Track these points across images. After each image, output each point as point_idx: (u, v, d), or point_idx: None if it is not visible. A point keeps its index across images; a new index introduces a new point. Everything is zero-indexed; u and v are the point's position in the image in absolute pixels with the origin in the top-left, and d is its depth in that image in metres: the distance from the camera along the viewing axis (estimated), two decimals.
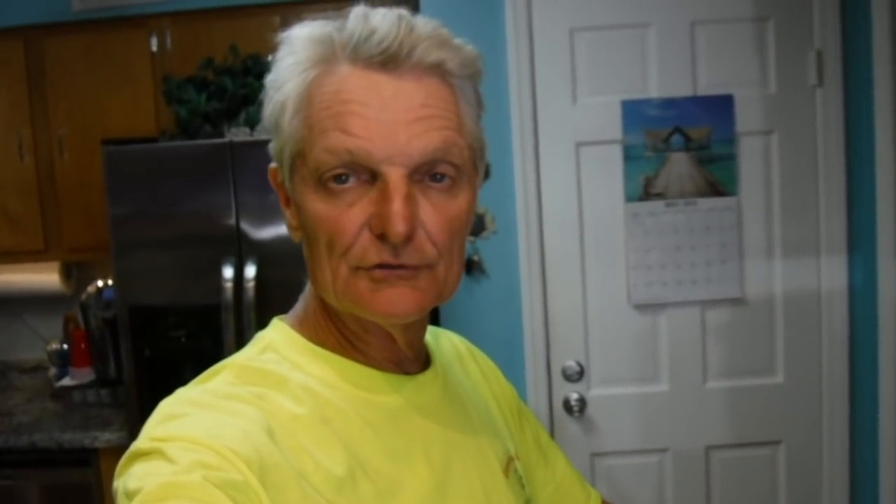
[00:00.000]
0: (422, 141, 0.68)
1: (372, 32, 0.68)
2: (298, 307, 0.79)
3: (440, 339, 0.92)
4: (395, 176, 0.67)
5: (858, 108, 2.22)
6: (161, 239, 2.27)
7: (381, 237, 0.67)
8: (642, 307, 2.36)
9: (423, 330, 0.81)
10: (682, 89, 2.30)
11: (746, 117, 2.30)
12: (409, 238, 0.67)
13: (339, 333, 0.76)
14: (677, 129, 2.30)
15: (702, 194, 2.32)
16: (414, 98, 0.68)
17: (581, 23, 2.30)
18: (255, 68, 2.36)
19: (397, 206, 0.66)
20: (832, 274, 2.32)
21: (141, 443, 0.63)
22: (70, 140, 2.72)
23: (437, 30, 0.71)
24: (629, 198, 2.33)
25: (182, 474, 0.58)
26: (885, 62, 2.09)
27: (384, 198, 0.66)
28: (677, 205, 2.32)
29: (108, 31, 2.71)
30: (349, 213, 0.68)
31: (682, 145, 2.30)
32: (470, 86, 0.73)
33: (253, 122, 2.28)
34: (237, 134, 2.32)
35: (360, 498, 0.68)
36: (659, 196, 2.32)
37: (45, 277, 2.95)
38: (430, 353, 0.84)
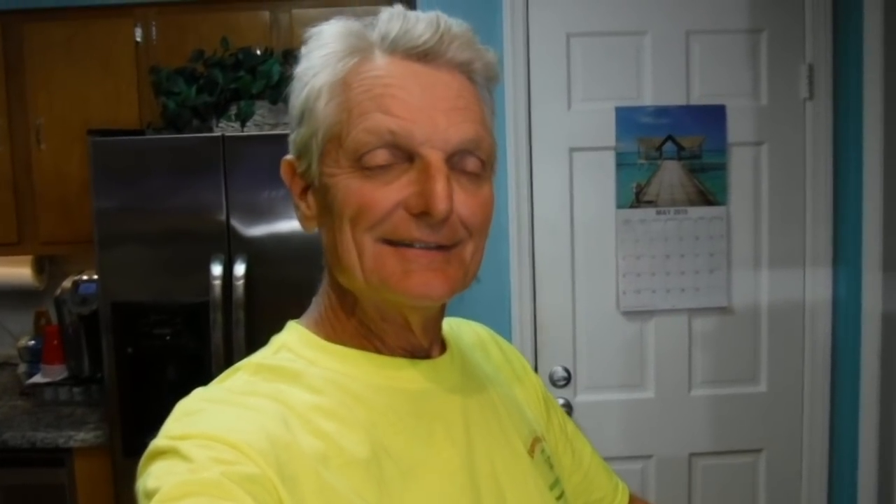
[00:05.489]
0: (459, 129, 0.70)
1: (410, 29, 0.71)
2: (312, 309, 0.80)
3: (461, 327, 0.93)
4: (435, 157, 0.69)
5: (847, 121, 2.26)
6: (147, 234, 2.21)
7: (420, 216, 0.68)
8: (630, 314, 2.37)
9: (440, 320, 0.82)
10: (675, 98, 2.31)
11: (738, 128, 2.33)
12: (447, 217, 0.69)
13: (357, 323, 0.76)
14: (670, 138, 2.32)
15: (692, 203, 2.33)
16: (450, 88, 0.71)
17: (577, 28, 2.30)
18: (247, 62, 2.31)
19: (440, 184, 0.68)
20: (817, 285, 2.36)
21: (158, 441, 0.63)
22: (48, 130, 2.64)
23: (469, 32, 0.74)
24: (620, 204, 2.34)
25: (199, 472, 0.59)
26: (876, 77, 2.12)
27: (426, 177, 0.68)
28: (668, 213, 2.34)
29: (91, 19, 2.64)
30: (385, 190, 0.69)
31: (674, 154, 2.32)
32: (488, 91, 0.76)
33: (244, 118, 2.23)
34: (227, 129, 2.27)
35: (386, 478, 0.68)
36: (650, 203, 2.33)
37: (16, 271, 2.86)
38: (445, 340, 0.84)
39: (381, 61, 0.71)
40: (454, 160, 0.70)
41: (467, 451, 0.76)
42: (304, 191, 0.76)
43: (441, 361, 0.80)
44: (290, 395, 0.69)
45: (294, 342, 0.77)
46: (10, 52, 2.65)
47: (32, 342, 2.88)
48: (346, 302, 0.76)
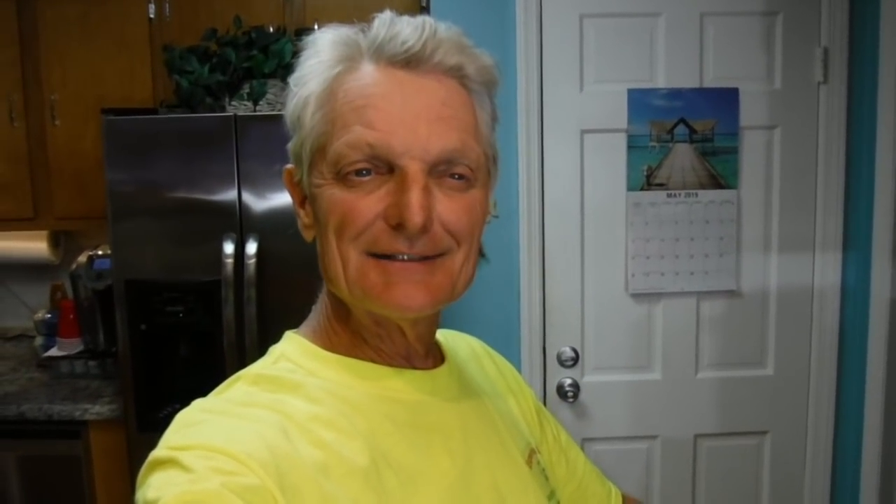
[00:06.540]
0: (441, 140, 0.69)
1: (396, 34, 0.70)
2: (311, 319, 0.80)
3: (456, 340, 0.93)
4: (413, 168, 0.68)
5: (861, 106, 2.24)
6: (160, 212, 2.23)
7: (397, 227, 0.68)
8: (639, 296, 2.38)
9: (434, 325, 0.81)
10: (688, 81, 2.30)
11: (751, 111, 2.31)
12: (425, 229, 0.68)
13: (353, 333, 0.76)
14: (682, 121, 2.31)
15: (703, 186, 2.33)
16: (435, 95, 0.70)
17: (591, 9, 2.29)
18: (260, 41, 2.31)
19: (415, 196, 0.67)
20: (826, 271, 2.35)
21: (158, 452, 0.63)
22: (63, 106, 2.66)
23: (459, 36, 0.73)
24: (631, 187, 2.33)
25: (199, 482, 0.58)
26: (891, 62, 2.10)
27: (401, 188, 0.67)
28: (678, 196, 2.33)
29: None
30: (365, 201, 0.69)
31: (686, 137, 2.31)
32: (486, 94, 0.75)
33: (257, 97, 2.23)
34: (239, 108, 2.28)
35: (386, 488, 0.68)
36: (661, 186, 2.33)
37: (32, 245, 2.90)
38: (443, 351, 0.85)
39: (366, 70, 0.70)
40: (440, 169, 0.70)
41: (466, 463, 0.76)
42: (304, 199, 0.76)
43: (439, 373, 0.81)
44: (290, 405, 0.69)
45: (293, 352, 0.77)
46: (25, 28, 2.65)
47: (49, 315, 2.92)
48: (342, 311, 0.76)
